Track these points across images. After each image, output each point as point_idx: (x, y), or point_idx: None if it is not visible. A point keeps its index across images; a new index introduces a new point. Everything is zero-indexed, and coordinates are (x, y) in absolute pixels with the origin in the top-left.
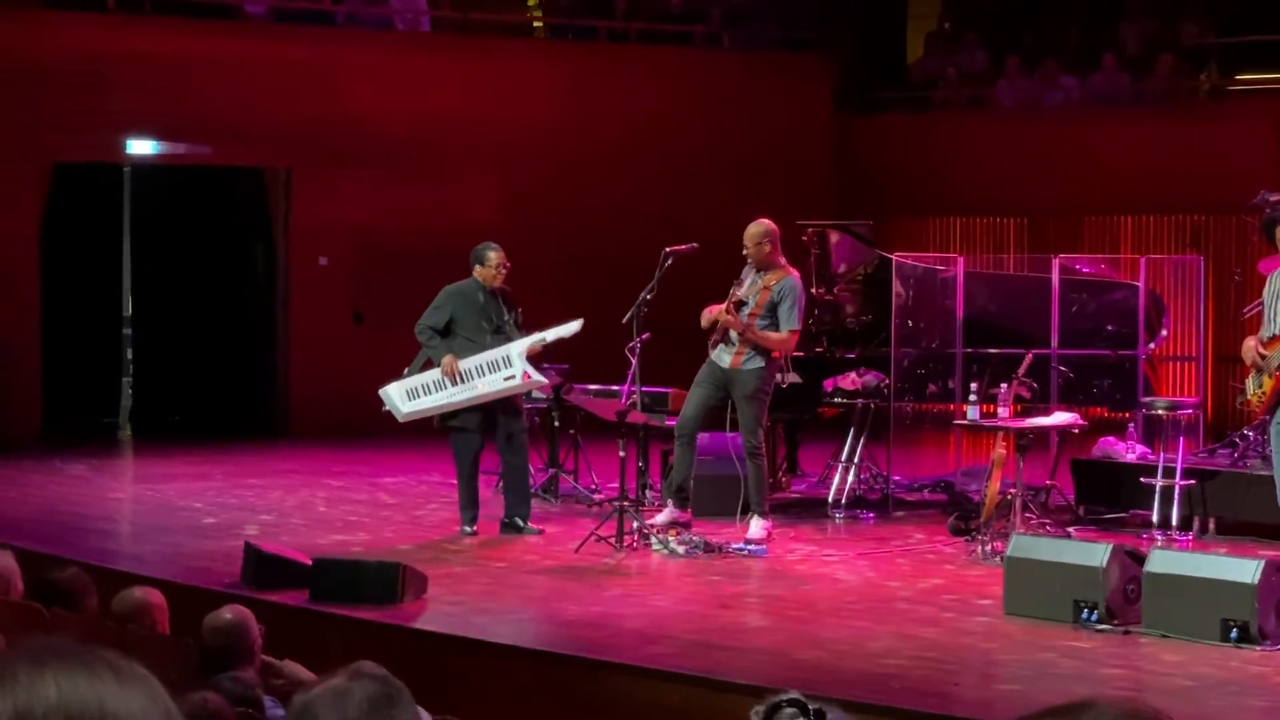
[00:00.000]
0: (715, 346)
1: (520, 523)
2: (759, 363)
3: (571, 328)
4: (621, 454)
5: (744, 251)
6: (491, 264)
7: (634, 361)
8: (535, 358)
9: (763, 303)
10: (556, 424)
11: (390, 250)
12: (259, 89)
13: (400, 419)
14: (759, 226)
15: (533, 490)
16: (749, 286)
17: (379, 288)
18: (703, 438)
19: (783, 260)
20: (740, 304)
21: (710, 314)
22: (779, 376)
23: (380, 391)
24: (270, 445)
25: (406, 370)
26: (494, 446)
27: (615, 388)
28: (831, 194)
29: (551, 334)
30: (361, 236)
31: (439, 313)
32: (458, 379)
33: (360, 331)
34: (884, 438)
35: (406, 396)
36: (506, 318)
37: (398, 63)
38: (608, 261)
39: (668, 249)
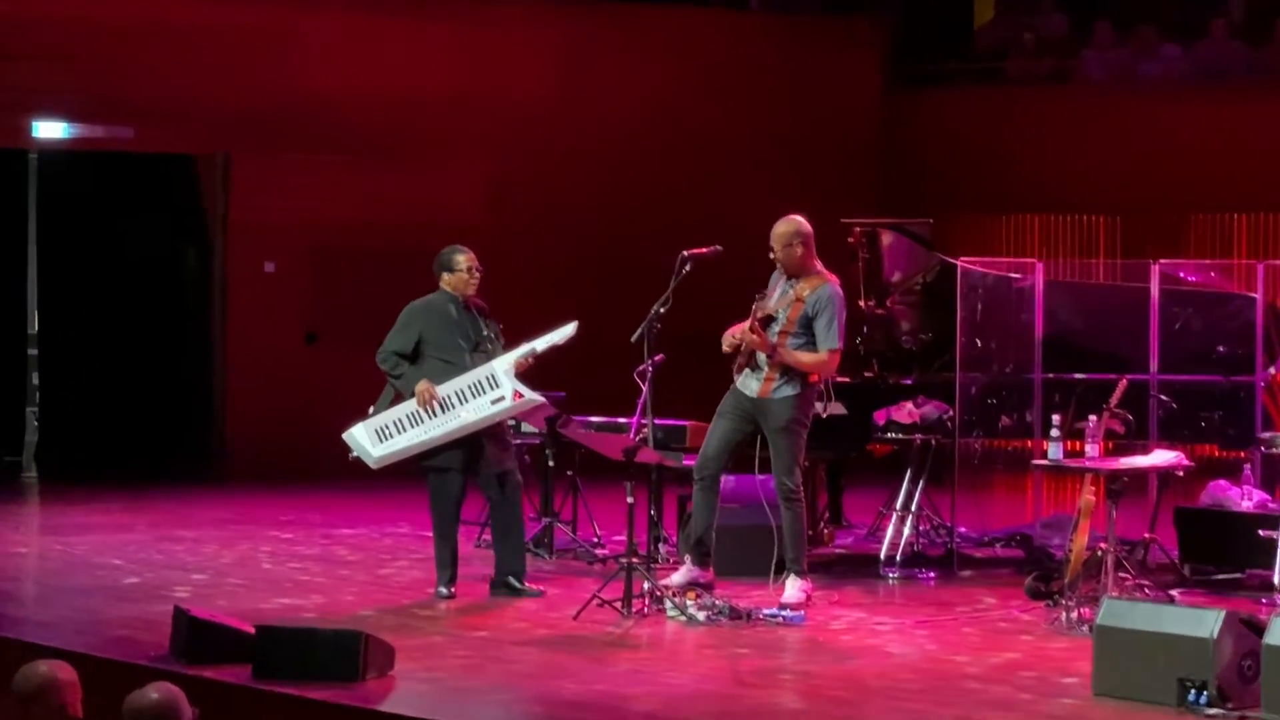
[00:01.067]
0: (741, 372)
1: (516, 582)
2: (793, 389)
3: (564, 332)
4: (629, 500)
5: (771, 255)
6: (461, 268)
7: (645, 388)
8: (526, 377)
9: (795, 317)
10: (551, 464)
11: (352, 253)
12: (192, 60)
13: (373, 465)
14: (788, 224)
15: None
16: (779, 298)
17: (338, 299)
18: (727, 481)
19: (818, 265)
20: (768, 320)
21: (733, 335)
22: (818, 406)
23: (345, 436)
24: (205, 490)
25: (372, 409)
26: (477, 489)
27: (622, 420)
28: (882, 186)
29: (542, 342)
30: (317, 237)
31: (404, 334)
32: (436, 409)
33: (315, 353)
34: (947, 481)
35: (376, 437)
36: (485, 333)
37: (361, 28)
38: (614, 267)
39: (685, 252)
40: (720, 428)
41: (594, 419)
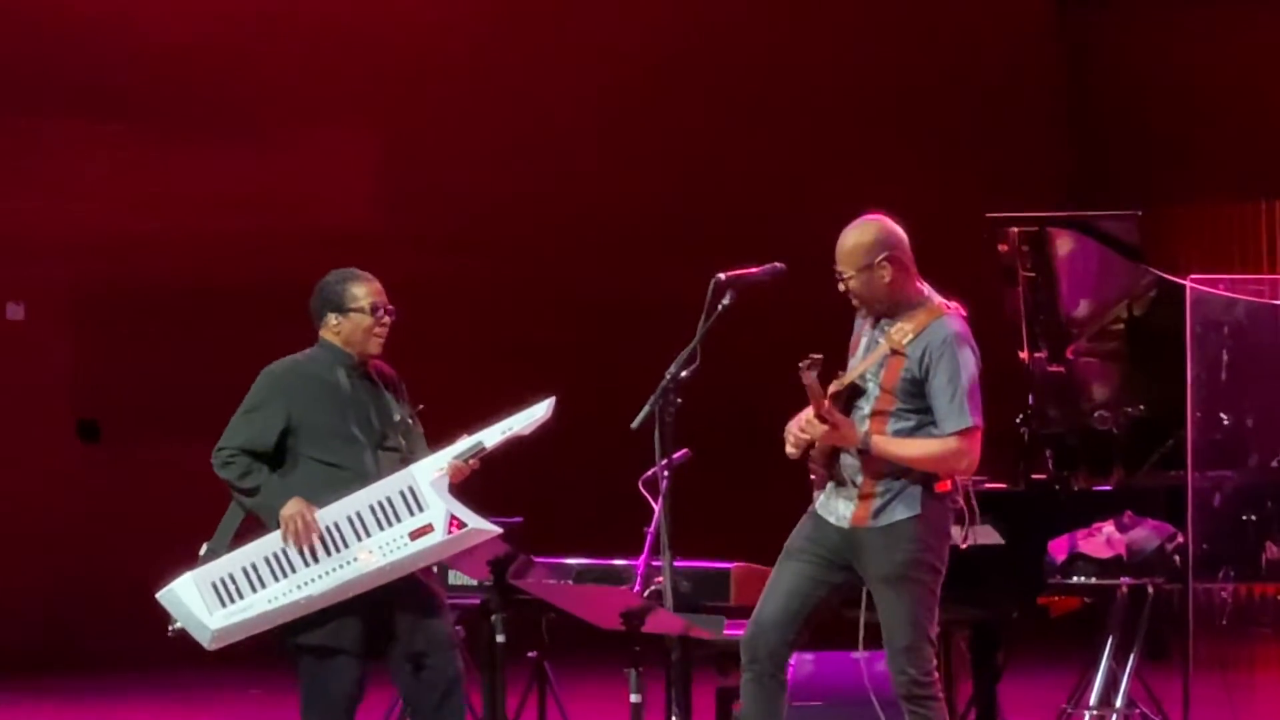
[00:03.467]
0: (822, 488)
1: None
2: (909, 508)
3: (533, 416)
4: (635, 699)
5: (841, 285)
6: (360, 306)
7: (658, 508)
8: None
9: (893, 383)
10: (500, 638)
11: (158, 287)
12: None
13: (208, 643)
14: (863, 232)
15: None
16: (863, 355)
17: (136, 364)
18: (803, 664)
19: (924, 290)
20: (851, 394)
21: (800, 430)
22: (956, 532)
23: (161, 596)
24: None
25: (207, 547)
26: (383, 681)
27: (619, 562)
28: (1058, 157)
29: (496, 432)
30: (96, 261)
31: (261, 420)
32: (317, 547)
33: (98, 456)
34: (1176, 655)
35: (215, 597)
36: (397, 417)
37: None
38: (601, 306)
39: (723, 275)
40: (789, 576)
41: (572, 561)
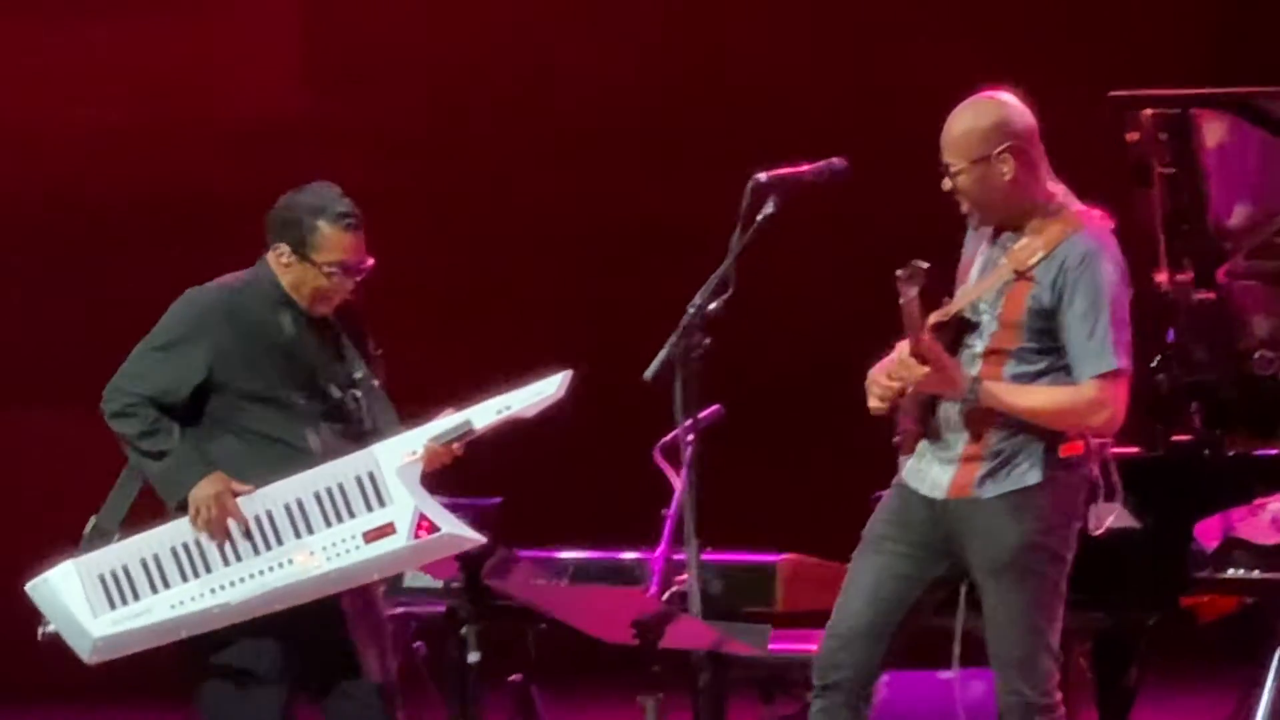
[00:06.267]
0: (912, 449)
1: None
2: (1025, 478)
3: (543, 393)
4: None
5: (947, 183)
6: (326, 259)
7: (680, 484)
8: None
9: (1016, 314)
10: (474, 657)
11: (13, 198)
12: None
13: (87, 655)
14: (980, 114)
15: None
16: (978, 279)
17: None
18: (892, 685)
19: (1058, 194)
20: (959, 327)
21: (888, 376)
22: (1088, 515)
23: (31, 588)
24: None
25: (94, 521)
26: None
27: (629, 555)
28: (1210, 20)
29: (488, 412)
30: None
31: (179, 363)
32: (242, 541)
33: None
34: None
35: (103, 594)
36: (357, 373)
37: None
38: (600, 221)
39: (763, 175)
40: (873, 573)
41: (566, 555)
